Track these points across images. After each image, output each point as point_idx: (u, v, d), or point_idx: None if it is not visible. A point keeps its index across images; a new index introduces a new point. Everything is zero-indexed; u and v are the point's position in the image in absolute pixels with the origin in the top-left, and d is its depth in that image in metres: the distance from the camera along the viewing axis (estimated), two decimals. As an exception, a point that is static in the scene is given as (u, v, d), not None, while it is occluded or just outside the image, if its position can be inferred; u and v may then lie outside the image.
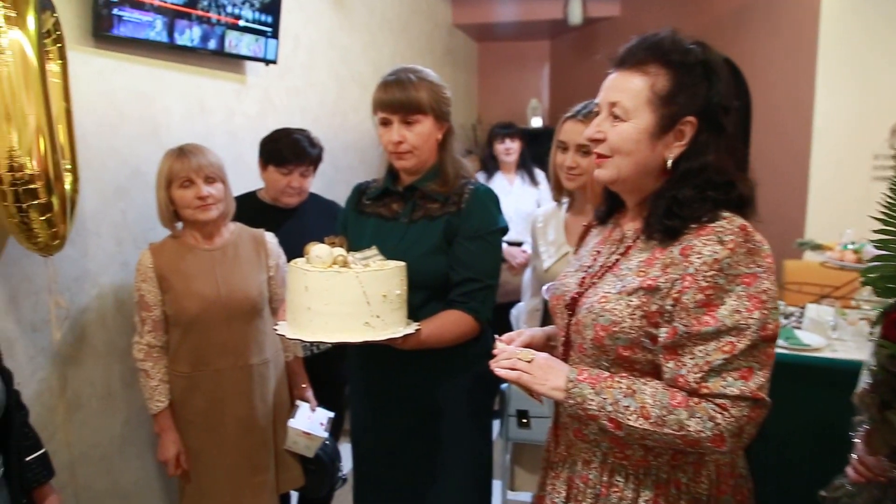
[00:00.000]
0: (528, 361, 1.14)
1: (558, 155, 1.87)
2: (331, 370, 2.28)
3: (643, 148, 1.09)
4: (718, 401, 1.00)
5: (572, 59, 5.89)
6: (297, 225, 2.27)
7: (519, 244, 3.51)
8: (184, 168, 1.83)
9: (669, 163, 1.10)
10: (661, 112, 1.08)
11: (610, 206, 1.29)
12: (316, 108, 3.24)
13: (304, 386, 2.16)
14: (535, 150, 4.07)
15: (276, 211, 2.28)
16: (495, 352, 1.20)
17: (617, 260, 1.17)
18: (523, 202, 3.72)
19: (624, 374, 1.09)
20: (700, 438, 1.01)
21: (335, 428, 2.28)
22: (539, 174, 3.89)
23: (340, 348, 1.60)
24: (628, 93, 1.09)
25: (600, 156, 1.14)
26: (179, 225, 1.94)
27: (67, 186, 1.70)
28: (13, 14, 1.51)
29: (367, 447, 1.79)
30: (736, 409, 1.00)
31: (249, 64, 2.67)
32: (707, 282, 1.01)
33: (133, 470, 2.17)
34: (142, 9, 2.03)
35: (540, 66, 6.28)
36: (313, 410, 2.13)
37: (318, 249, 1.37)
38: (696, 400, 1.02)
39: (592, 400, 1.07)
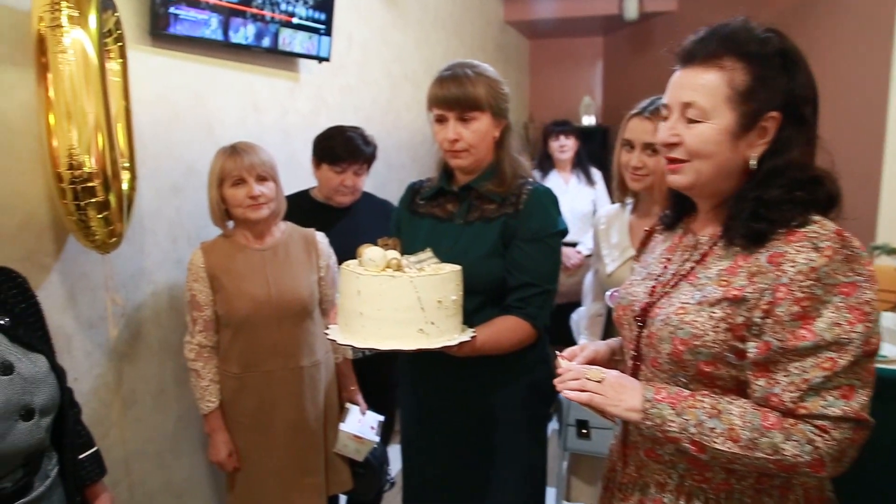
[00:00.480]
0: (599, 381, 1.05)
1: (623, 154, 1.78)
2: (381, 372, 2.25)
3: (724, 150, 1.01)
4: (818, 422, 0.92)
5: (627, 55, 5.74)
6: (350, 224, 2.25)
7: (574, 245, 3.43)
8: (236, 167, 1.82)
9: (753, 163, 1.01)
10: (741, 109, 1.00)
11: (678, 211, 1.21)
12: (369, 106, 3.22)
13: (352, 388, 2.14)
14: (588, 149, 3.99)
15: (328, 210, 2.25)
16: (560, 371, 1.12)
17: (692, 268, 1.09)
18: (579, 202, 3.64)
19: (705, 392, 1.01)
20: (797, 463, 0.92)
21: (385, 430, 2.25)
22: (595, 173, 3.80)
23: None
24: (704, 91, 1.01)
25: (674, 160, 1.05)
26: (230, 224, 1.93)
27: (125, 185, 1.71)
28: (76, 14, 1.51)
29: (417, 453, 1.74)
30: (838, 432, 0.91)
31: (303, 62, 2.67)
32: (803, 292, 0.92)
33: (185, 467, 2.18)
34: (198, 7, 2.03)
35: (593, 63, 6.14)
36: (363, 413, 2.10)
37: (371, 252, 1.32)
38: (791, 421, 0.93)
39: (673, 421, 0.99)
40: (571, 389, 1.07)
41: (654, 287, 1.14)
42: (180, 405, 2.14)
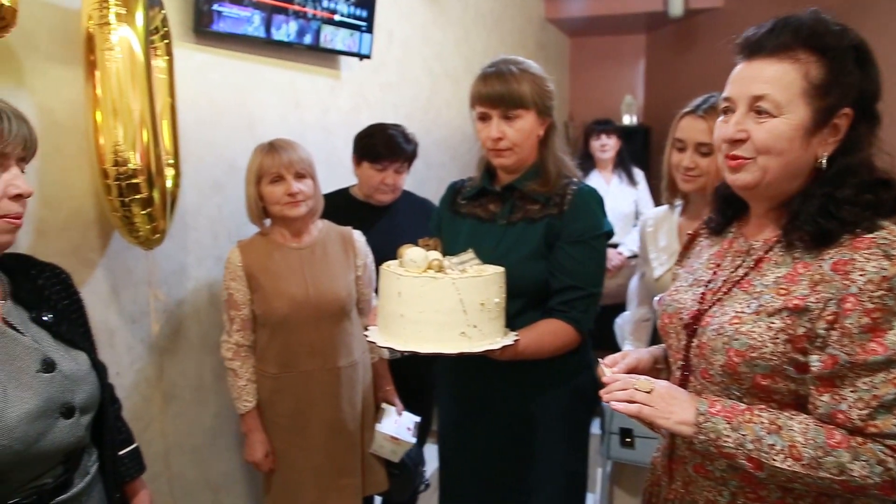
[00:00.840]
0: (648, 392, 1.00)
1: (674, 154, 1.72)
2: (418, 373, 2.22)
3: (796, 147, 0.95)
4: (889, 442, 0.86)
5: (670, 53, 5.60)
6: (390, 223, 2.23)
7: (615, 246, 3.36)
8: (274, 164, 1.81)
9: (824, 161, 0.96)
10: (816, 105, 0.94)
11: (725, 215, 1.15)
12: (409, 103, 3.20)
13: (389, 388, 2.12)
14: (630, 148, 3.92)
15: (368, 208, 2.24)
16: (605, 380, 1.07)
17: (745, 274, 1.03)
18: (620, 202, 3.56)
19: (762, 407, 0.96)
20: (866, 485, 0.87)
21: (421, 430, 2.22)
22: (638, 173, 3.71)
23: (429, 353, 1.54)
24: (777, 84, 0.95)
25: (737, 157, 0.99)
26: (267, 222, 1.92)
27: (169, 182, 1.72)
28: (123, 11, 1.53)
29: (455, 456, 1.72)
30: None
31: (344, 59, 2.66)
32: (874, 303, 0.86)
33: (222, 462, 2.19)
34: (241, 4, 2.04)
35: (635, 61, 6.02)
36: (400, 414, 2.08)
37: (412, 253, 1.29)
38: (859, 440, 0.88)
39: (728, 436, 0.94)
40: (619, 400, 1.02)
41: (703, 294, 1.09)
42: (218, 401, 2.15)
